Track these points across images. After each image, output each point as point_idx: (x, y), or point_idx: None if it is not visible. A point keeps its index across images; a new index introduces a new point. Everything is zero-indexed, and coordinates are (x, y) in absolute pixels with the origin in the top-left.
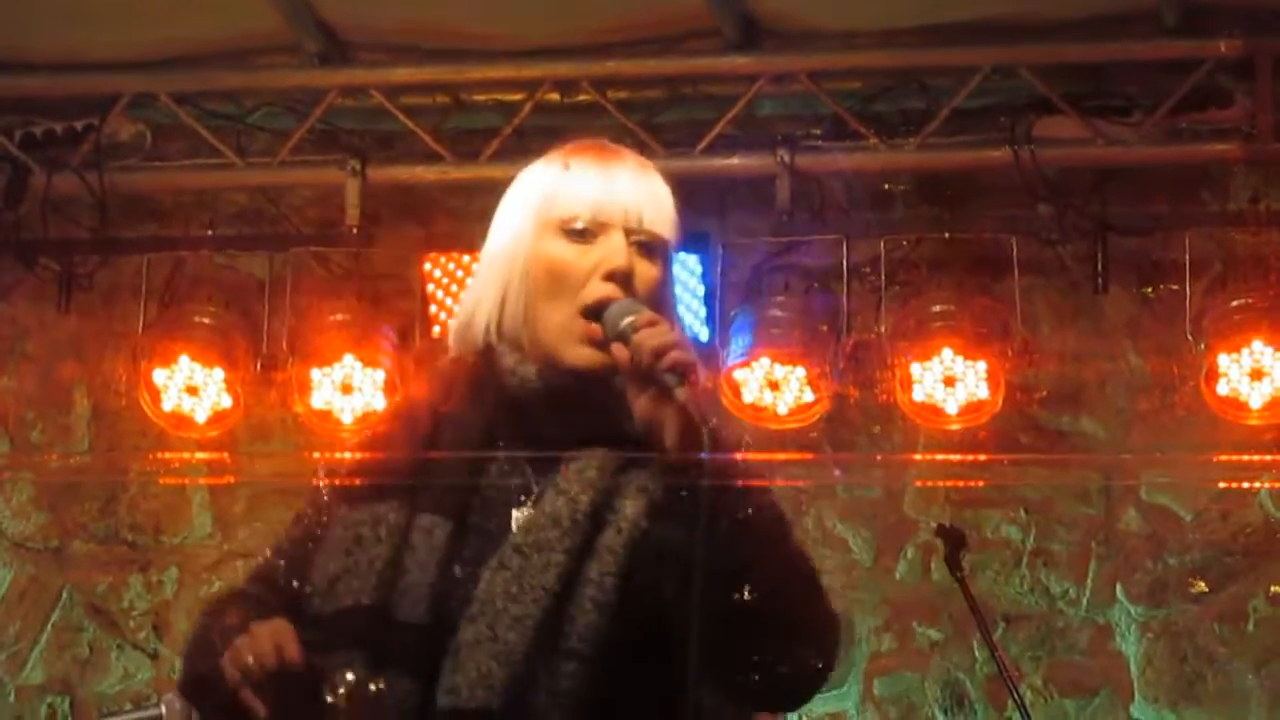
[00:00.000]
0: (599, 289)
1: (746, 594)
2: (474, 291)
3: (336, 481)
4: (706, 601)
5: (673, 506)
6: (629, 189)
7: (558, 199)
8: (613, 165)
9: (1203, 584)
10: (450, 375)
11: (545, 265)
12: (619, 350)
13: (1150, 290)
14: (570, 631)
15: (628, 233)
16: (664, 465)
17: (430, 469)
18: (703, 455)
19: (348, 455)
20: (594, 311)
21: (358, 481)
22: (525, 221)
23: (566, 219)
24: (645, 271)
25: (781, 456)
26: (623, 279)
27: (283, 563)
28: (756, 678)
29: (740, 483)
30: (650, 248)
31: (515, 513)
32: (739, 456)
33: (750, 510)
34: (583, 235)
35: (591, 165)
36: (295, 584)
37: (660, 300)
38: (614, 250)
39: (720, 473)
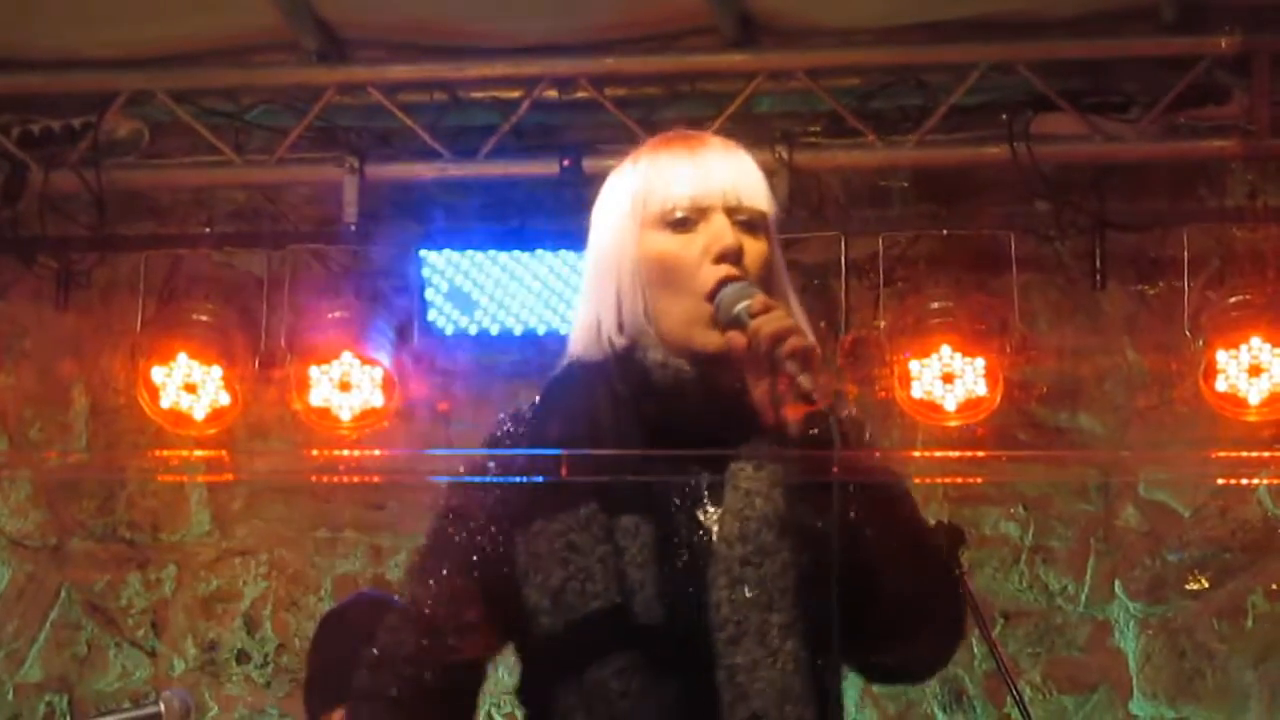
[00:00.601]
0: (714, 272)
1: (888, 575)
2: (589, 300)
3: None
4: (847, 582)
5: (805, 492)
6: (721, 170)
7: (653, 193)
8: (699, 150)
9: (1202, 580)
10: (581, 377)
11: (654, 260)
12: (735, 337)
13: (1149, 287)
14: (819, 630)
15: (728, 212)
16: (791, 454)
17: (618, 468)
18: (828, 440)
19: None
20: (716, 295)
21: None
22: (624, 222)
23: (666, 211)
24: (753, 248)
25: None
26: (734, 257)
27: (455, 607)
28: (901, 654)
29: (866, 465)
30: (753, 225)
31: (700, 512)
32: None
33: (886, 492)
34: (684, 224)
35: (680, 154)
36: (488, 618)
37: (772, 276)
38: (720, 231)
39: (850, 460)
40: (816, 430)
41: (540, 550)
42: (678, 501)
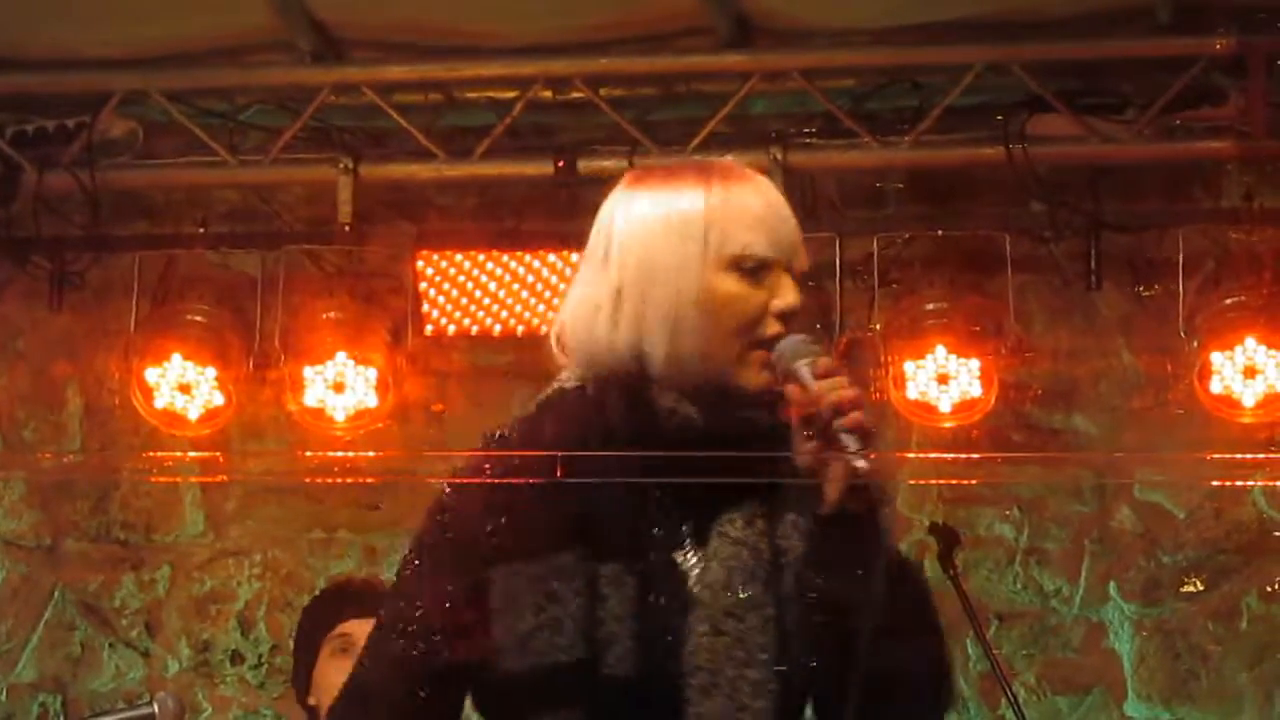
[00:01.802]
0: (772, 327)
1: (886, 646)
2: (623, 318)
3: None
4: (849, 646)
5: (821, 551)
6: (788, 224)
7: (730, 234)
8: (769, 197)
9: (1197, 582)
10: (574, 408)
11: (721, 302)
12: (794, 391)
13: (1144, 288)
14: (792, 688)
15: (787, 269)
16: (818, 516)
17: (602, 513)
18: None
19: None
20: (767, 346)
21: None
22: (692, 254)
23: (740, 256)
24: (799, 306)
25: (774, 454)
26: (792, 318)
27: (434, 637)
28: None
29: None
30: (799, 282)
31: (679, 556)
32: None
33: (899, 570)
34: (754, 272)
35: (751, 197)
36: (463, 652)
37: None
38: (786, 290)
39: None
40: (852, 509)
41: (517, 590)
42: (657, 544)
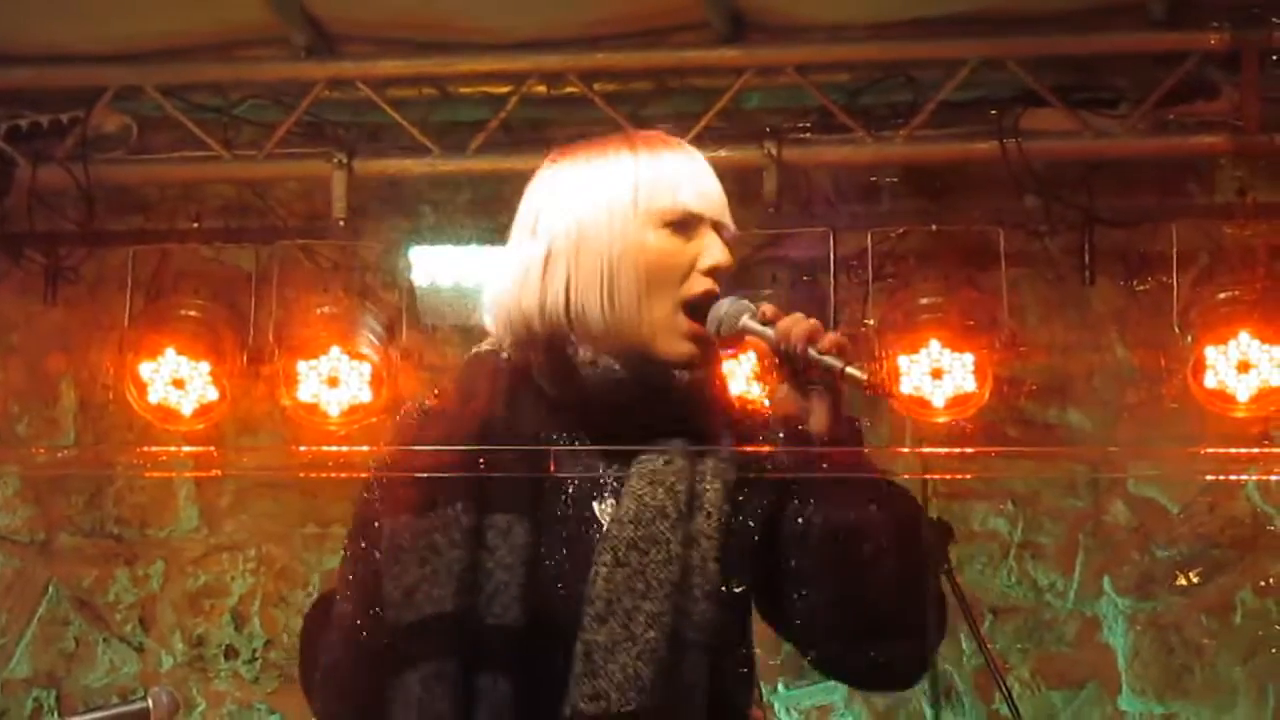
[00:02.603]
0: (701, 283)
1: (859, 578)
2: (550, 279)
3: (378, 490)
4: (806, 581)
5: (750, 489)
6: (715, 185)
7: (659, 190)
8: (696, 159)
9: (1191, 576)
10: (491, 371)
11: (650, 257)
12: (756, 344)
13: (1138, 283)
14: (689, 623)
15: (715, 228)
16: (808, 453)
17: (495, 466)
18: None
19: (338, 449)
20: (694, 307)
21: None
22: (622, 211)
23: (668, 211)
24: (729, 267)
25: (767, 449)
26: (721, 274)
27: (367, 606)
28: (861, 660)
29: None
30: (727, 242)
31: (597, 505)
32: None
33: (878, 504)
34: (682, 228)
35: (680, 158)
36: (376, 609)
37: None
38: (714, 245)
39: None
40: (842, 430)
41: (402, 545)
42: (572, 495)
